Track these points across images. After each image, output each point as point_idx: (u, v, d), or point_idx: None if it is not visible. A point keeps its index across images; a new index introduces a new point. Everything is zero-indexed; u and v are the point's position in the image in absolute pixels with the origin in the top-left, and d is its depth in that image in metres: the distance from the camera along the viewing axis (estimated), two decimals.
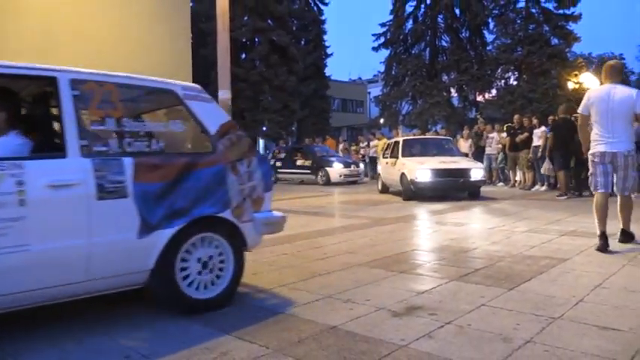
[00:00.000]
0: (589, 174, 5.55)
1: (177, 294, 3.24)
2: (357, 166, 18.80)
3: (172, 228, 3.18)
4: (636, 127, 9.72)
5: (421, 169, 10.75)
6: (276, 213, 3.98)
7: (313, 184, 17.84)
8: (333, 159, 18.59)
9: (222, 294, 3.44)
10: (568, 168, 11.26)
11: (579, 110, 5.59)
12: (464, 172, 10.96)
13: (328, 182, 17.38)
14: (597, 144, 5.27)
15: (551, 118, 13.33)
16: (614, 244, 5.25)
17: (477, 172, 11.15)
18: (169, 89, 3.57)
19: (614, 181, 5.40)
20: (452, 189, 11.22)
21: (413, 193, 10.90)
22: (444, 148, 12.85)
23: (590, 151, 5.37)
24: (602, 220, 5.26)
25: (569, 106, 12.44)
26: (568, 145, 10.80)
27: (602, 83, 5.53)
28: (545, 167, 12.26)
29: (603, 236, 5.16)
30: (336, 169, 17.69)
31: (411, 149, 12.50)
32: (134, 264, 3.12)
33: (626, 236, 5.45)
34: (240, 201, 3.58)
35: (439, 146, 13.03)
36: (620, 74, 5.59)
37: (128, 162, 3.08)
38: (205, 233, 3.42)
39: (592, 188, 5.51)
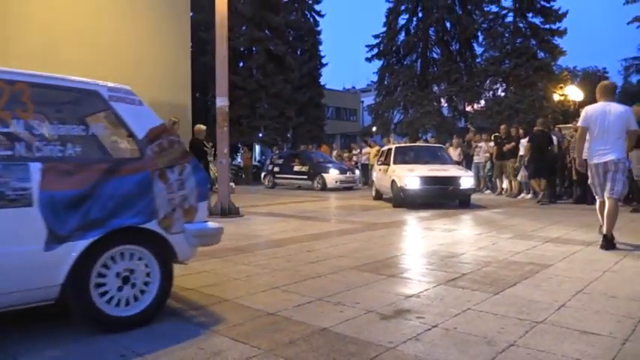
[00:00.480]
0: (589, 182, 6.01)
1: (92, 311, 2.90)
2: (353, 173, 18.79)
3: (86, 240, 2.84)
4: None
5: (410, 177, 10.50)
6: (211, 224, 3.62)
7: (310, 189, 17.82)
8: (329, 165, 18.57)
9: (147, 310, 3.10)
10: (549, 176, 11.51)
11: (579, 124, 6.03)
12: (453, 180, 10.63)
13: (324, 188, 17.36)
14: (593, 157, 5.71)
15: (536, 129, 13.40)
16: (595, 250, 5.28)
17: (467, 180, 10.79)
18: (92, 90, 3.23)
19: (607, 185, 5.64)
20: (441, 197, 10.92)
21: (402, 200, 10.66)
22: (436, 155, 12.56)
23: (588, 161, 5.82)
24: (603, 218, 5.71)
25: (546, 121, 13.07)
26: (543, 155, 11.42)
27: (597, 101, 5.85)
28: (521, 175, 12.74)
29: (608, 237, 5.61)
30: (332, 175, 17.68)
31: (403, 156, 12.22)
32: (40, 278, 2.76)
33: (609, 243, 5.60)
34: (169, 211, 3.22)
35: (431, 154, 12.76)
36: (613, 93, 6.01)
37: (35, 167, 2.75)
38: (126, 246, 3.07)
39: (595, 194, 5.98)
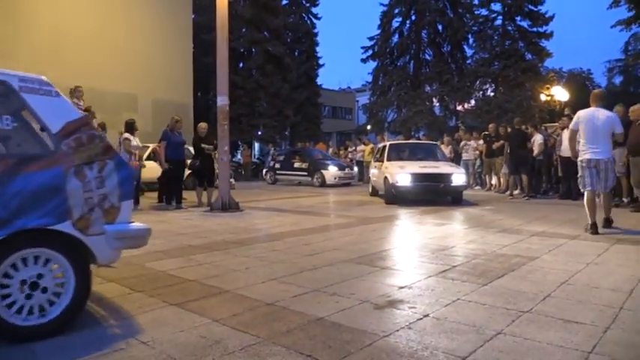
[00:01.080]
0: (578, 176, 6.52)
1: None
2: (352, 169, 18.77)
3: None
4: None
5: (401, 174, 10.21)
6: (136, 225, 3.18)
7: (309, 185, 17.80)
8: (328, 162, 18.53)
9: (61, 317, 2.75)
10: (527, 172, 11.68)
11: (570, 126, 6.70)
12: (444, 177, 10.25)
13: (324, 184, 17.31)
14: (585, 153, 6.30)
15: (523, 127, 13.51)
16: (579, 243, 5.30)
17: (459, 177, 10.37)
18: (1, 80, 2.84)
19: (598, 181, 6.25)
20: (432, 193, 10.56)
21: (394, 197, 10.38)
22: (431, 153, 12.23)
23: (580, 158, 6.38)
24: (592, 211, 6.27)
25: (523, 120, 13.43)
26: (518, 151, 11.65)
27: (589, 105, 6.50)
28: (503, 171, 12.97)
29: (594, 225, 6.21)
30: (331, 172, 17.62)
31: (397, 153, 11.93)
32: None
33: (607, 222, 6.49)
34: (86, 211, 2.84)
35: (425, 151, 12.42)
36: (603, 99, 6.61)
37: None
38: (33, 249, 2.68)
39: (581, 187, 6.55)
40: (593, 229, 6.19)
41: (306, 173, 18.42)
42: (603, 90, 6.97)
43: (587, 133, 6.29)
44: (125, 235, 3.07)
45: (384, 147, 12.63)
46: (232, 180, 13.92)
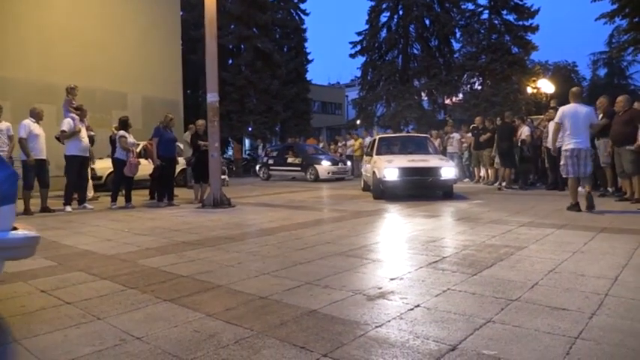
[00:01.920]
0: (561, 164, 7.47)
1: None
2: (345, 164, 18.73)
3: None
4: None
5: (389, 168, 9.85)
6: (20, 233, 2.76)
7: (303, 180, 17.75)
8: (321, 157, 18.48)
9: None
10: (513, 164, 11.79)
11: (555, 120, 7.60)
12: (433, 171, 9.89)
13: (317, 179, 17.29)
14: (569, 144, 7.23)
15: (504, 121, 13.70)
16: (565, 233, 5.35)
17: (448, 170, 9.96)
18: None
19: (579, 168, 7.23)
20: (421, 188, 10.31)
21: (382, 192, 10.13)
22: (421, 146, 11.81)
23: (564, 148, 7.30)
24: (574, 194, 7.41)
25: (513, 114, 13.64)
26: (503, 144, 12.00)
27: (569, 102, 7.45)
28: (496, 162, 12.88)
29: (576, 205, 7.34)
30: (325, 167, 17.60)
31: (386, 147, 11.69)
32: None
33: (591, 204, 7.20)
34: None
35: (416, 144, 12.04)
36: (581, 96, 7.69)
37: None
38: None
39: (564, 174, 7.57)
40: (575, 208, 7.31)
41: (299, 168, 18.31)
42: (580, 88, 8.05)
43: (571, 126, 7.23)
44: (4, 246, 2.65)
45: (374, 141, 12.42)
46: (225, 177, 13.91)
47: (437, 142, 15.83)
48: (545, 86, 25.58)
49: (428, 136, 13.61)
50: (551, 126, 9.21)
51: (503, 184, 12.11)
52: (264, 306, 3.12)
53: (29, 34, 14.09)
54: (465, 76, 31.19)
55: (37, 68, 13.89)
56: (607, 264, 4.02)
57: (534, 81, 28.12)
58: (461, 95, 31.76)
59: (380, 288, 3.47)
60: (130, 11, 17.27)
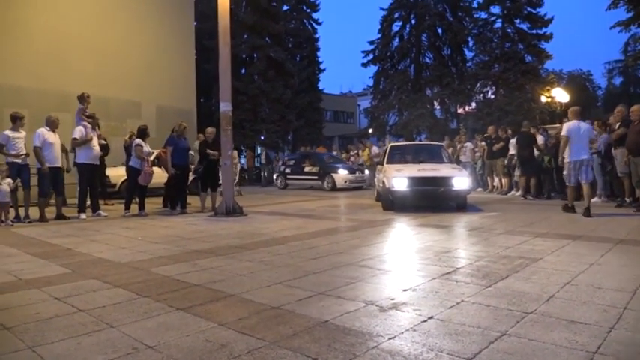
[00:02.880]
0: (564, 174, 8.54)
1: None
2: (363, 173, 18.47)
3: None
4: (605, 138, 9.89)
5: (397, 178, 9.34)
6: None
7: (320, 189, 17.56)
8: (338, 166, 18.24)
9: None
10: (534, 174, 11.69)
11: (563, 134, 8.48)
12: (444, 181, 9.34)
13: (334, 188, 17.06)
14: (573, 156, 8.24)
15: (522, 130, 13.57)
16: (582, 244, 5.28)
17: (461, 180, 9.34)
18: None
19: (580, 175, 8.29)
20: (432, 199, 9.73)
21: (392, 202, 9.65)
22: (434, 155, 11.25)
23: (566, 160, 8.33)
24: (572, 199, 8.60)
25: (531, 122, 13.26)
26: (525, 152, 11.95)
27: (570, 119, 8.49)
28: (517, 174, 12.65)
29: (573, 208, 8.52)
30: (342, 176, 17.38)
31: (398, 156, 11.17)
32: None
33: (587, 212, 8.00)
34: None
35: (429, 153, 11.47)
36: (581, 114, 8.78)
37: None
38: None
39: (567, 182, 8.57)
40: (571, 210, 8.48)
41: (316, 177, 18.01)
42: (579, 108, 9.00)
43: (574, 140, 8.22)
44: None
45: (386, 150, 12.16)
46: (237, 187, 13.96)
47: (450, 151, 15.77)
48: (560, 95, 25.40)
49: (442, 144, 12.90)
50: None
51: (528, 195, 11.93)
52: (276, 316, 3.11)
53: (45, 44, 14.31)
54: (478, 84, 31.05)
55: (53, 78, 14.09)
56: (625, 276, 3.95)
57: (548, 90, 27.90)
58: (474, 104, 31.60)
59: (393, 299, 3.44)
60: (145, 21, 17.48)
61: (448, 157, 11.31)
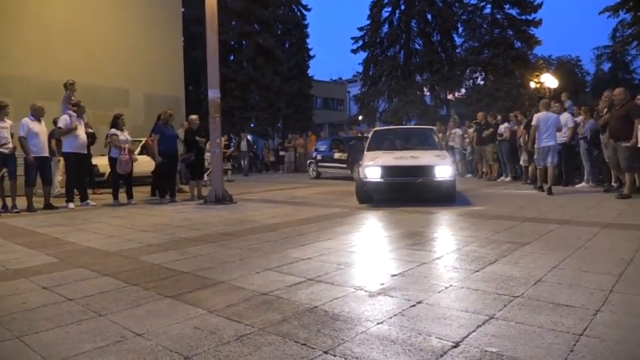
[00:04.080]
0: (535, 157, 9.94)
1: None
2: None
3: None
4: (591, 123, 9.95)
5: (371, 167, 8.26)
6: None
7: (349, 179, 14.67)
8: None
9: None
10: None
11: (533, 123, 9.67)
12: (423, 170, 8.09)
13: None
14: (542, 142, 9.46)
15: (512, 114, 13.57)
16: (569, 229, 5.33)
17: (443, 169, 8.07)
18: None
19: (546, 159, 9.48)
20: (409, 191, 8.34)
21: (366, 194, 8.54)
22: (422, 140, 10.10)
23: (536, 146, 9.56)
24: (541, 180, 9.83)
25: (548, 102, 12.74)
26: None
27: (539, 111, 9.82)
28: (523, 159, 12.12)
29: (541, 187, 9.78)
30: None
31: (381, 142, 9.90)
32: None
33: (549, 191, 9.20)
34: None
35: (416, 137, 10.34)
36: (549, 106, 10.05)
37: None
38: None
39: (537, 165, 9.91)
40: (540, 189, 9.73)
41: (345, 165, 15.61)
42: (549, 100, 10.65)
43: (543, 129, 9.40)
44: None
45: (370, 135, 10.79)
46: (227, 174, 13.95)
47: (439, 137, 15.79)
48: (549, 81, 25.44)
49: (433, 128, 11.15)
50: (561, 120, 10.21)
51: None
52: (265, 302, 3.11)
53: (30, 32, 14.06)
54: (468, 71, 31.10)
55: (38, 65, 13.86)
56: (611, 260, 4.00)
57: (537, 76, 27.92)
58: (463, 90, 31.67)
59: (382, 284, 3.45)
60: (131, 8, 17.22)
61: (438, 143, 10.02)
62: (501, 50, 28.37)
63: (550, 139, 9.34)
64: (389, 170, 8.18)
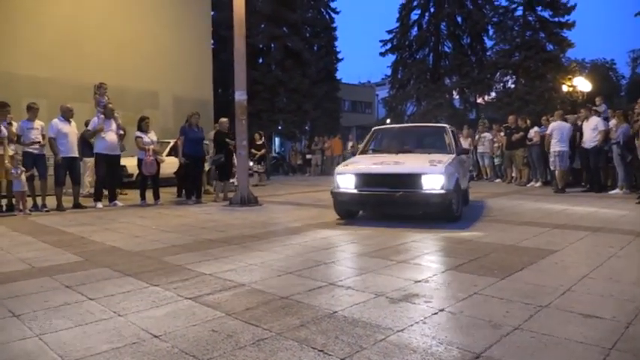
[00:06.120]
0: (551, 161, 11.20)
1: None
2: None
3: None
4: (624, 128, 9.65)
5: (342, 174, 6.69)
6: None
7: None
8: None
9: None
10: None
11: (547, 132, 11.38)
12: (405, 180, 6.28)
13: None
14: (556, 147, 10.86)
15: (544, 118, 13.32)
16: (601, 236, 5.15)
17: (432, 179, 6.17)
18: None
19: (558, 163, 10.90)
20: (388, 206, 6.71)
21: (346, 208, 7.04)
22: (429, 140, 8.15)
23: (552, 150, 10.95)
24: (561, 181, 11.00)
25: (562, 112, 12.60)
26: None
27: (555, 120, 11.40)
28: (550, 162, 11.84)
29: (562, 189, 10.86)
30: None
31: (381, 142, 8.29)
32: None
33: (556, 189, 10.89)
34: None
35: (423, 138, 8.36)
36: (563, 116, 11.42)
37: None
38: None
39: (552, 167, 11.25)
40: (561, 191, 10.74)
41: None
42: (562, 111, 12.04)
43: (557, 136, 10.87)
44: None
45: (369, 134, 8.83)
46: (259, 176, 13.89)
47: (468, 141, 15.52)
48: (582, 84, 24.83)
49: (446, 126, 8.42)
50: (586, 125, 10.72)
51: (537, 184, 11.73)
52: (284, 306, 3.07)
53: (62, 34, 14.39)
54: (498, 74, 30.53)
55: (70, 68, 14.17)
56: None
57: (570, 79, 27.27)
58: (493, 94, 31.11)
59: (404, 290, 3.38)
60: (162, 11, 17.49)
61: (449, 144, 7.56)
62: (533, 53, 27.78)
63: (563, 145, 10.77)
64: (363, 179, 6.53)
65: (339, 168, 6.96)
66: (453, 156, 7.02)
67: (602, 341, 2.41)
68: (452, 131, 8.10)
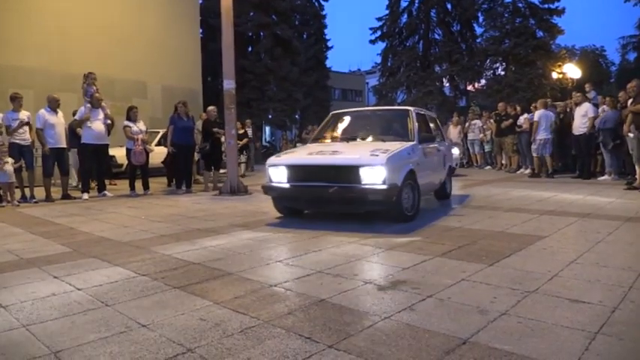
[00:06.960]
0: (533, 147, 11.80)
1: None
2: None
3: None
4: (611, 113, 9.72)
5: (274, 166, 5.92)
6: None
7: None
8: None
9: None
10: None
11: (534, 119, 11.77)
12: (341, 173, 5.45)
13: None
14: (540, 135, 11.48)
15: (533, 105, 13.35)
16: (589, 222, 5.19)
17: (372, 172, 5.25)
18: None
19: (544, 150, 11.60)
20: (322, 202, 5.74)
21: (276, 203, 6.40)
22: (390, 126, 7.00)
23: (539, 137, 11.48)
24: (539, 167, 11.78)
25: (545, 101, 12.69)
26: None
27: (538, 109, 11.95)
28: (534, 148, 12.00)
29: (538, 174, 11.70)
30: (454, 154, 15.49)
31: (332, 130, 7.26)
32: None
33: (534, 176, 11.65)
34: None
35: (383, 123, 7.25)
36: (547, 105, 12.12)
37: None
38: None
39: (534, 154, 11.81)
40: (537, 176, 11.59)
41: None
42: (547, 99, 12.92)
43: (542, 124, 11.47)
44: None
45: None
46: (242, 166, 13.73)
47: (458, 129, 15.55)
48: (572, 71, 24.92)
49: (409, 109, 6.96)
50: (578, 111, 10.78)
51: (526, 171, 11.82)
52: (272, 294, 3.06)
53: (50, 24, 14.20)
54: (488, 61, 30.57)
55: (57, 57, 13.99)
56: (632, 255, 3.87)
57: (560, 66, 27.37)
58: (483, 81, 31.18)
59: (392, 277, 3.38)
60: (151, 0, 17.29)
61: (411, 131, 6.41)
62: (523, 40, 27.80)
63: (546, 133, 11.44)
64: (295, 171, 5.75)
65: (271, 159, 6.12)
66: (412, 144, 6.06)
67: (588, 325, 2.43)
68: (420, 114, 7.06)
